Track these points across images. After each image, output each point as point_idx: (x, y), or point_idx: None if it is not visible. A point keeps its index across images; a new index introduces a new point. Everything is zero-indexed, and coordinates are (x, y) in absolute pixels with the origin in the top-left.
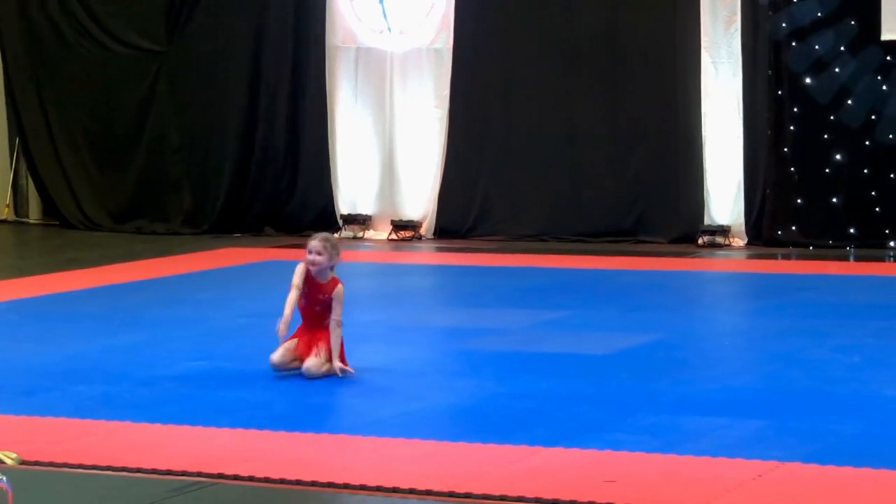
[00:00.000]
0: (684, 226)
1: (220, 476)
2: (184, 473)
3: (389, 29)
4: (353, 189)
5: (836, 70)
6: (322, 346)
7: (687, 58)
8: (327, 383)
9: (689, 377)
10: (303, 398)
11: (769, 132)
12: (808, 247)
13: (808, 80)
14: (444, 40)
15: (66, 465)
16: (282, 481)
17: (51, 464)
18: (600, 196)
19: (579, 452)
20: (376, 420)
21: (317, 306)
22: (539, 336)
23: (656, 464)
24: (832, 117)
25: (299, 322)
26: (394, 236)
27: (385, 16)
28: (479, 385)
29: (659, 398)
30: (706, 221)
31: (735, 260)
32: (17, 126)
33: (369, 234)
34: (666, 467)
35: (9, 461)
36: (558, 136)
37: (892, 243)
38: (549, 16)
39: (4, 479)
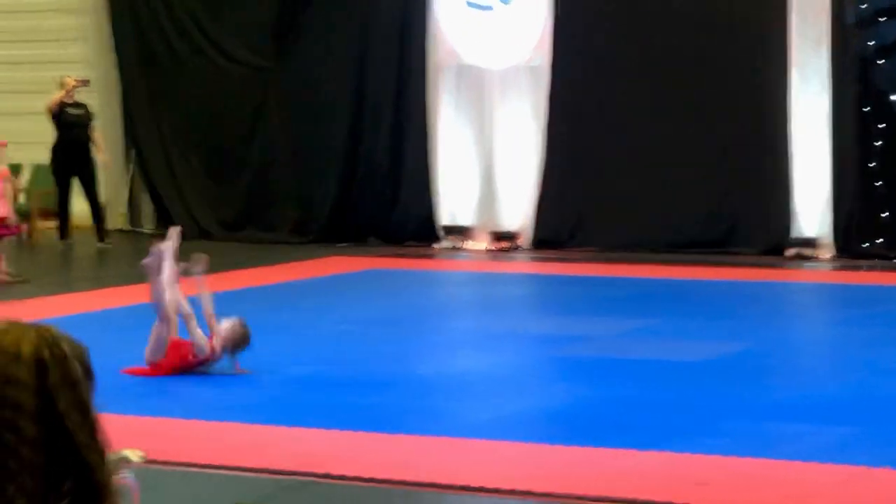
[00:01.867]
0: (773, 238)
1: (327, 476)
2: (292, 473)
3: (489, 47)
4: (453, 201)
5: None
6: None
7: (776, 75)
8: (429, 388)
9: (776, 384)
10: (405, 401)
11: (856, 147)
12: (894, 259)
13: (894, 98)
14: (542, 58)
15: (180, 463)
16: (386, 481)
17: (166, 462)
18: (691, 208)
19: (671, 456)
20: (475, 423)
21: None
22: (630, 343)
23: (746, 468)
24: None
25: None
26: (492, 247)
27: (485, 35)
28: (572, 390)
29: (748, 404)
30: (794, 234)
31: (822, 271)
32: (132, 139)
33: (469, 244)
34: (755, 471)
35: (135, 458)
36: (651, 150)
37: None
38: (642, 34)
39: (131, 476)
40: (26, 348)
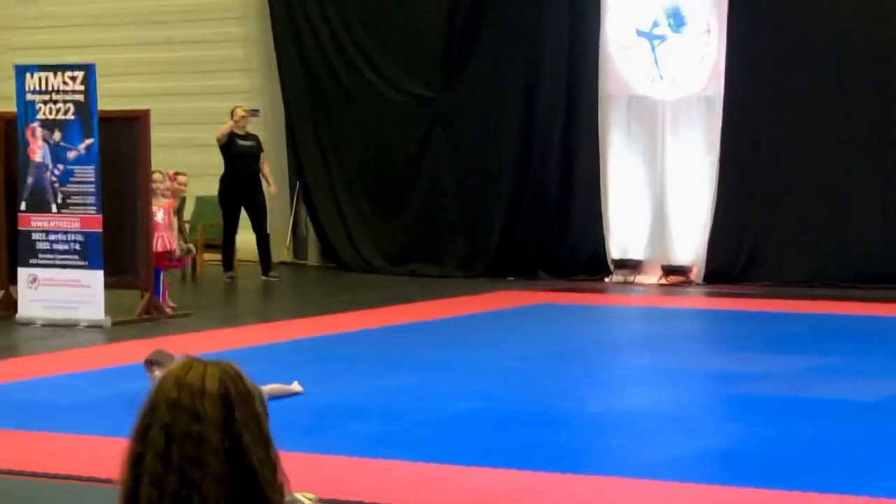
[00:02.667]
0: None
1: None
2: None
3: (661, 77)
4: (624, 234)
5: None
6: None
7: None
8: (602, 426)
9: None
10: (577, 440)
11: None
12: None
13: None
14: (715, 88)
15: (348, 502)
16: None
17: (333, 501)
18: (870, 241)
19: (852, 499)
20: (646, 462)
21: None
22: (808, 381)
23: None
24: None
25: None
26: (664, 281)
27: (657, 64)
28: (747, 429)
29: None
30: None
31: None
32: (297, 170)
33: (640, 278)
34: None
35: (307, 502)
36: (827, 181)
37: None
38: (820, 63)
39: None
40: (211, 384)
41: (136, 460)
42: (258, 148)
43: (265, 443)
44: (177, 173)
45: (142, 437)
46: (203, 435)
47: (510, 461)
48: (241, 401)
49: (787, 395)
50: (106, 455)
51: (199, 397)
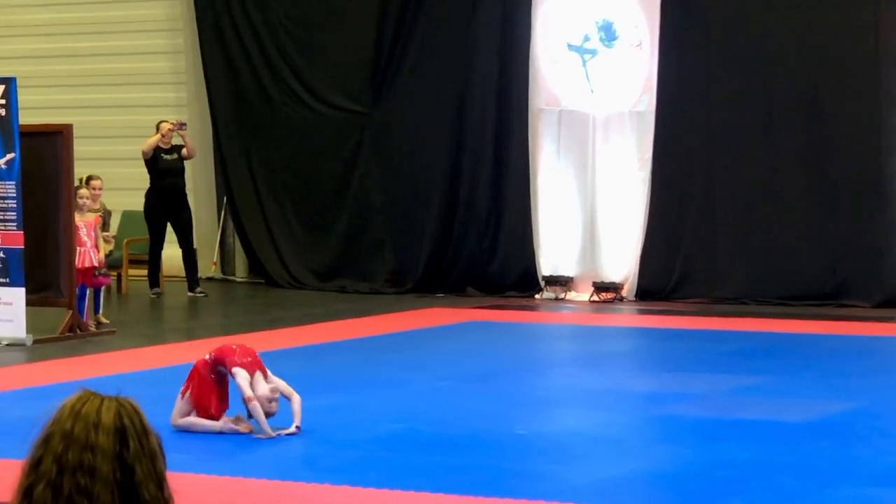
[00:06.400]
0: (890, 290)
1: None
2: None
3: (592, 91)
4: (554, 250)
5: None
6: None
7: (892, 119)
8: (529, 449)
9: (892, 447)
10: (502, 463)
11: None
12: None
13: None
14: (647, 103)
15: None
16: None
17: None
18: (802, 259)
19: None
20: (574, 486)
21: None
22: (738, 402)
23: None
24: None
25: None
26: (595, 298)
27: (588, 78)
28: (676, 452)
29: (861, 469)
30: None
31: None
32: (225, 185)
33: (571, 295)
34: None
35: None
36: (759, 199)
37: None
38: (751, 78)
39: None
40: (107, 416)
41: (26, 491)
42: (182, 161)
43: (158, 479)
44: (90, 177)
45: (34, 467)
46: (94, 466)
47: (435, 485)
48: (136, 435)
49: (718, 416)
50: None
51: (93, 429)
